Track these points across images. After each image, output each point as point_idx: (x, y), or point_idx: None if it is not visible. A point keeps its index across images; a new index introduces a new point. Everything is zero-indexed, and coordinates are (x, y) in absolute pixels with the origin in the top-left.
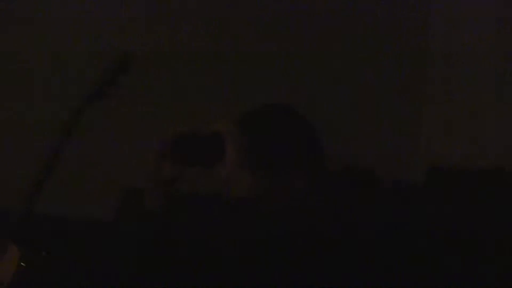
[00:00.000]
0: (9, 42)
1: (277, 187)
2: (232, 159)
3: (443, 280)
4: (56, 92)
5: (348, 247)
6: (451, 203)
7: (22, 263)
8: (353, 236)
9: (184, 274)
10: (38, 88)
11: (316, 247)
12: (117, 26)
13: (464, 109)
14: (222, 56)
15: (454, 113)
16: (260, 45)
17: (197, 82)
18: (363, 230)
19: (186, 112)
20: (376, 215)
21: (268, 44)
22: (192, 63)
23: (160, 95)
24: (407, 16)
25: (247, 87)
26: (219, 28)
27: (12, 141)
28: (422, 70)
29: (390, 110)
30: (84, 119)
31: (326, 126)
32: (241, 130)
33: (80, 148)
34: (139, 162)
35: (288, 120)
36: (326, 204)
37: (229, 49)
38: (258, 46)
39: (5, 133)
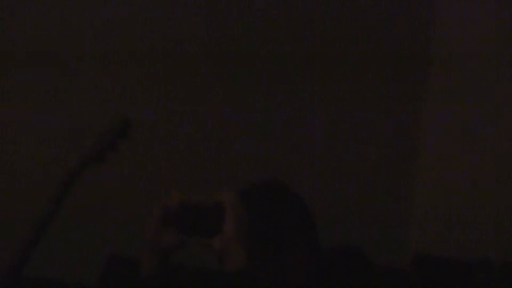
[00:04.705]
0: None
1: (270, 262)
2: (229, 231)
3: None
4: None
5: None
6: None
7: None
8: None
9: None
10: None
11: None
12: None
13: (456, 195)
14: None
15: (445, 199)
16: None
17: (198, 147)
18: None
19: (187, 177)
20: None
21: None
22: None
23: (159, 160)
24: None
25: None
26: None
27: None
28: (413, 159)
29: (382, 194)
30: (79, 182)
31: (320, 206)
32: (242, 202)
33: (74, 211)
34: (135, 228)
35: (285, 196)
36: (318, 281)
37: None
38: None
39: None
